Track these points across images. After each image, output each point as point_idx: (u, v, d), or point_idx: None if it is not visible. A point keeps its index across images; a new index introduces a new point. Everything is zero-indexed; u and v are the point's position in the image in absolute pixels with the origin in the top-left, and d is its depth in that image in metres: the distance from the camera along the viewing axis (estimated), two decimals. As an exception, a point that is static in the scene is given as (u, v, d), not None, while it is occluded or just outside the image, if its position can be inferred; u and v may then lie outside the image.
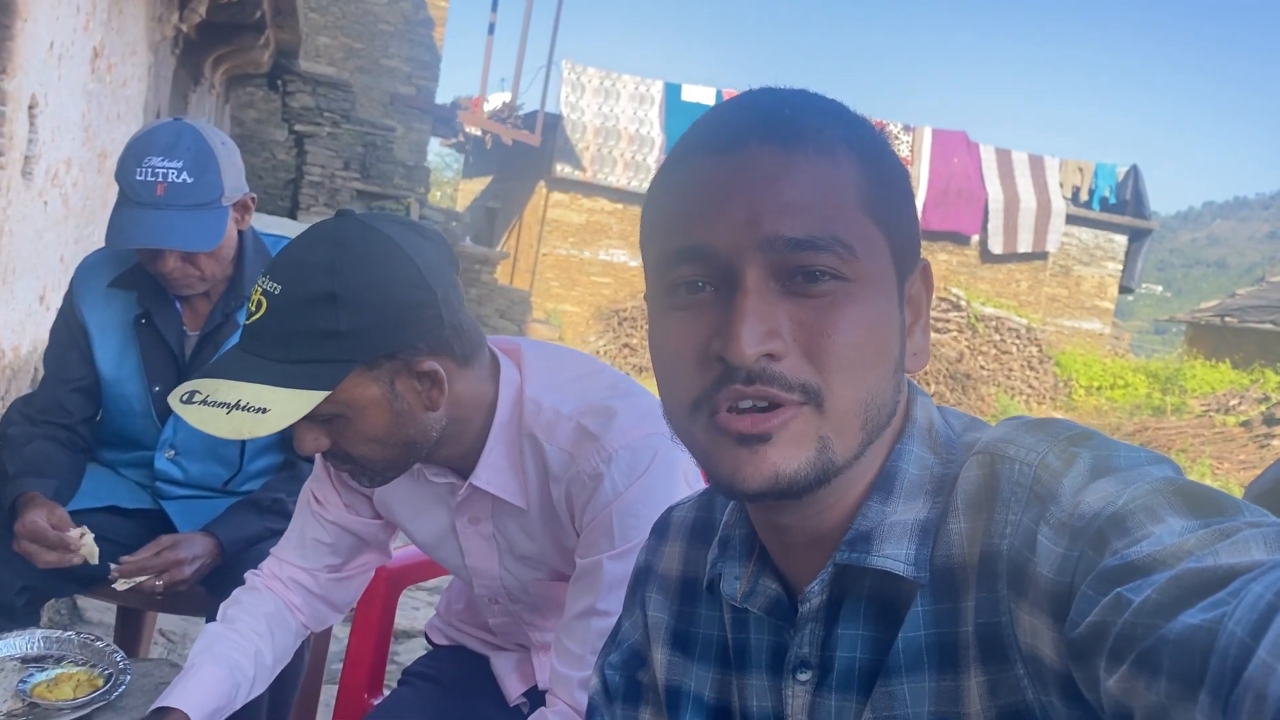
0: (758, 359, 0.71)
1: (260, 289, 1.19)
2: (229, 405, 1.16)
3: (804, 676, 0.81)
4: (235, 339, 2.00)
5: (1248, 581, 0.53)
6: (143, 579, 1.82)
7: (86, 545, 1.76)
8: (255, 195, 2.06)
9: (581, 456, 1.29)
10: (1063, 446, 0.72)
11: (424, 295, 1.22)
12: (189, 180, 1.86)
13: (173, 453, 2.11)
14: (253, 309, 1.19)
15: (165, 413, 2.08)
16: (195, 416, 1.17)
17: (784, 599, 0.83)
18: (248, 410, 1.16)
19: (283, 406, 1.16)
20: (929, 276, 0.82)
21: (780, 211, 0.72)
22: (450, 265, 1.28)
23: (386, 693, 1.76)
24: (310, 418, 1.19)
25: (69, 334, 2.07)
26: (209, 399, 1.17)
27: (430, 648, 1.75)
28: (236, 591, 1.56)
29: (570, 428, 1.31)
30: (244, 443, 2.12)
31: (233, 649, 1.44)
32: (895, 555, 0.76)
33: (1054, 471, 0.70)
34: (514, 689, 1.55)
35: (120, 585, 1.81)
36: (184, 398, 1.20)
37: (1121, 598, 0.58)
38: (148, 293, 2.03)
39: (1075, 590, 0.64)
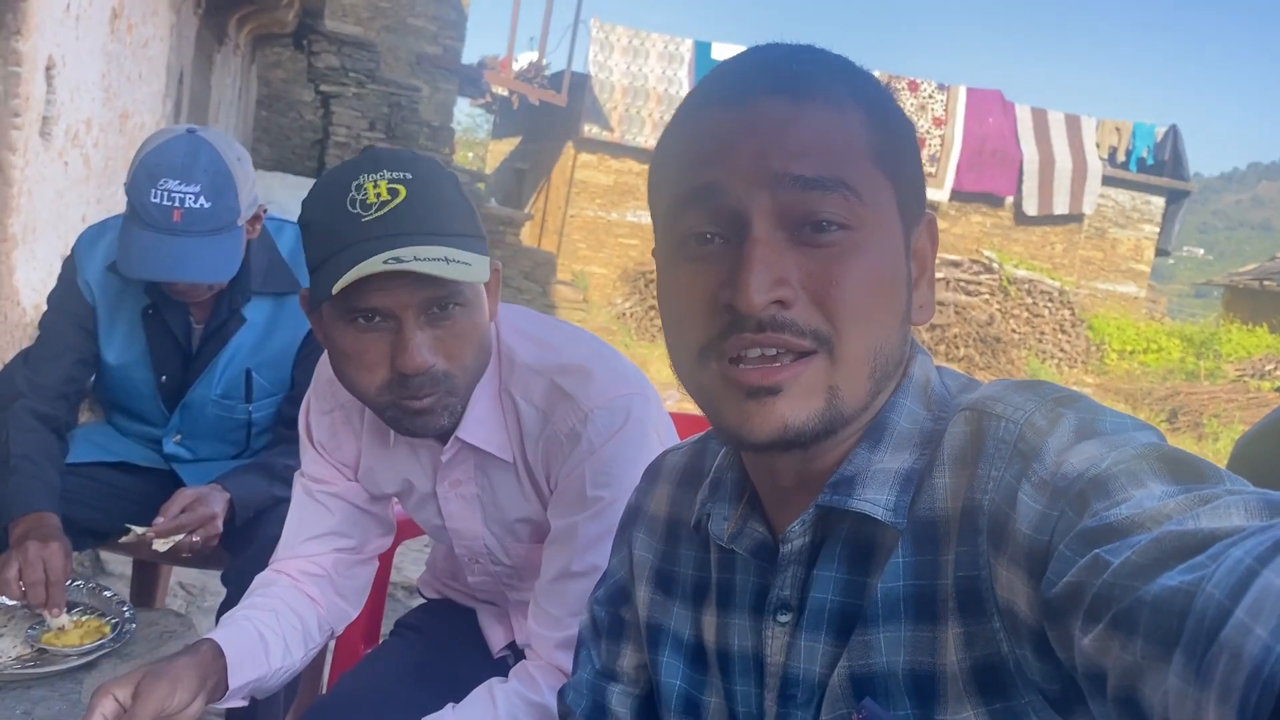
0: (766, 307, 0.72)
1: (384, 182, 1.18)
2: (442, 260, 1.15)
3: (784, 618, 0.83)
4: (242, 333, 2.01)
5: (1227, 546, 0.53)
6: (180, 538, 1.81)
7: (59, 621, 1.66)
8: (265, 206, 2.02)
9: (557, 416, 1.30)
10: (1049, 407, 0.73)
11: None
12: (206, 205, 1.81)
13: (179, 437, 2.13)
14: (384, 198, 1.17)
15: (172, 400, 2.08)
16: (422, 267, 1.13)
17: (770, 542, 0.85)
18: (457, 263, 1.16)
19: (477, 262, 1.20)
20: (934, 230, 0.83)
21: (789, 153, 0.73)
22: None
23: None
24: (430, 316, 1.19)
25: (75, 309, 2.02)
26: (418, 257, 1.14)
27: (424, 600, 1.78)
28: (253, 584, 1.51)
29: (544, 385, 1.32)
30: (250, 422, 2.13)
31: (251, 616, 1.41)
32: (875, 500, 0.77)
33: (1039, 430, 0.71)
34: (498, 642, 1.57)
35: (160, 546, 1.78)
36: (388, 261, 1.14)
37: (1100, 559, 0.59)
38: (153, 284, 1.98)
39: (1053, 549, 0.64)
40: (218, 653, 1.29)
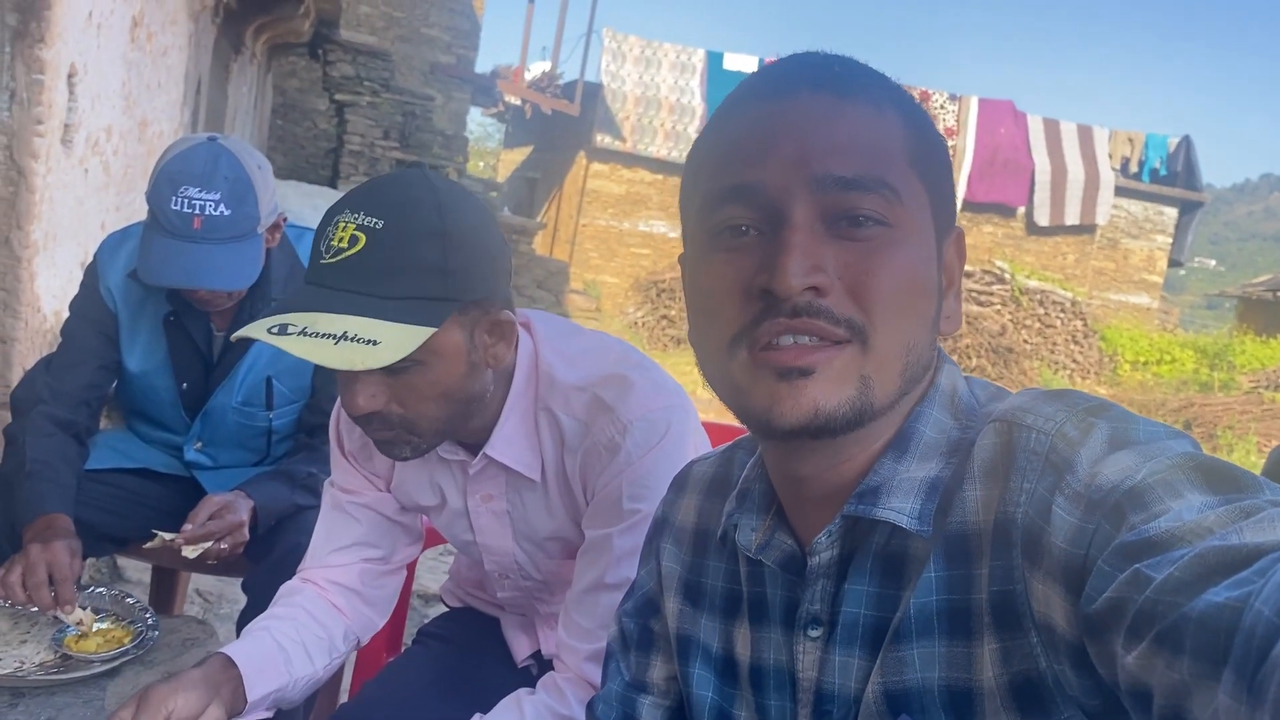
0: (803, 292, 0.71)
1: (352, 225, 1.14)
2: (335, 336, 1.11)
3: (815, 633, 0.82)
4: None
5: (1274, 561, 0.52)
6: (208, 545, 1.81)
7: (75, 616, 1.66)
8: (285, 214, 2.02)
9: (597, 427, 1.29)
10: (1080, 417, 0.72)
11: (505, 248, 1.25)
12: (226, 213, 1.81)
13: (200, 444, 2.13)
14: (342, 245, 1.14)
15: (193, 408, 2.08)
16: (298, 347, 1.10)
17: (798, 554, 0.84)
18: (357, 342, 1.10)
19: (393, 339, 1.11)
20: (962, 245, 0.83)
21: (830, 152, 0.73)
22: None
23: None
24: (383, 368, 1.15)
25: (97, 315, 2.03)
26: (309, 330, 1.11)
27: (447, 609, 1.77)
28: (279, 593, 1.51)
29: (585, 398, 1.31)
30: (270, 430, 2.13)
31: (271, 627, 1.41)
32: (900, 509, 0.76)
33: (1071, 441, 0.70)
34: (522, 651, 1.56)
35: (189, 552, 1.79)
36: (274, 329, 1.12)
37: (1141, 574, 0.58)
38: (174, 291, 1.98)
39: (1090, 563, 0.63)
40: (227, 663, 1.30)
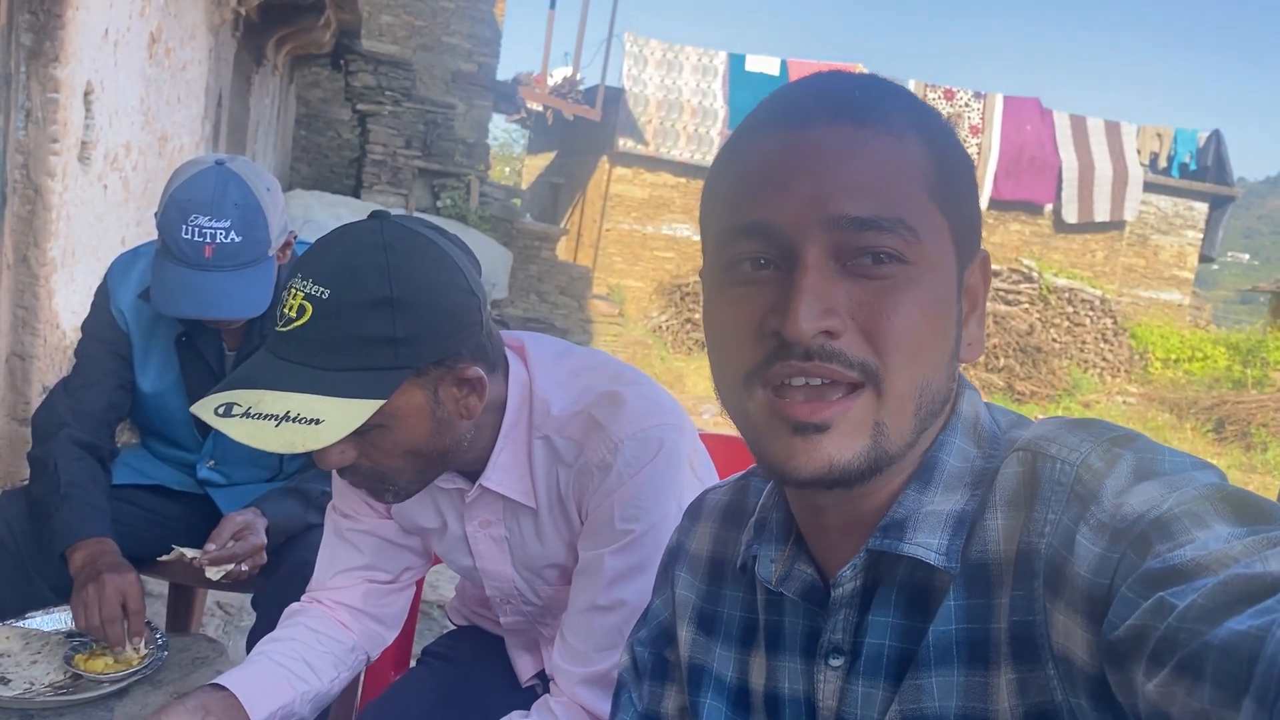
0: (815, 336, 0.71)
1: (300, 294, 1.13)
2: (277, 417, 1.10)
3: (836, 662, 0.81)
4: None
5: None
6: (231, 566, 1.82)
7: (128, 653, 1.66)
8: (295, 232, 2.03)
9: (590, 447, 1.28)
10: (1105, 447, 0.71)
11: (470, 300, 1.19)
12: (237, 240, 1.82)
13: (213, 462, 2.15)
14: (292, 315, 1.13)
15: (205, 426, 2.07)
16: (240, 430, 1.10)
17: (819, 584, 0.83)
18: (299, 422, 1.09)
19: (337, 417, 1.10)
20: (988, 268, 0.82)
21: (846, 191, 0.72)
22: (478, 269, 1.26)
23: (411, 670, 1.77)
24: None
25: (110, 336, 2.04)
26: (252, 411, 1.11)
27: (453, 627, 1.76)
28: (284, 614, 1.52)
29: (581, 419, 1.29)
30: None
31: (273, 652, 1.41)
32: (927, 544, 0.75)
33: (1096, 472, 0.70)
34: (526, 671, 1.55)
35: (213, 574, 1.81)
36: (220, 410, 1.12)
37: (1164, 602, 0.58)
38: None
39: (1114, 592, 0.63)
40: (215, 690, 1.30)
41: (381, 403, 1.13)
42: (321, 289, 1.12)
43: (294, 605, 1.53)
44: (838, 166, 0.72)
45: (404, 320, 1.13)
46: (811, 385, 0.72)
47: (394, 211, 1.27)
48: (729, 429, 0.92)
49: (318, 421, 1.10)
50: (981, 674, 0.73)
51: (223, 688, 1.30)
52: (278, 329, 1.15)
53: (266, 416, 1.10)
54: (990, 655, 0.73)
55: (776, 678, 0.87)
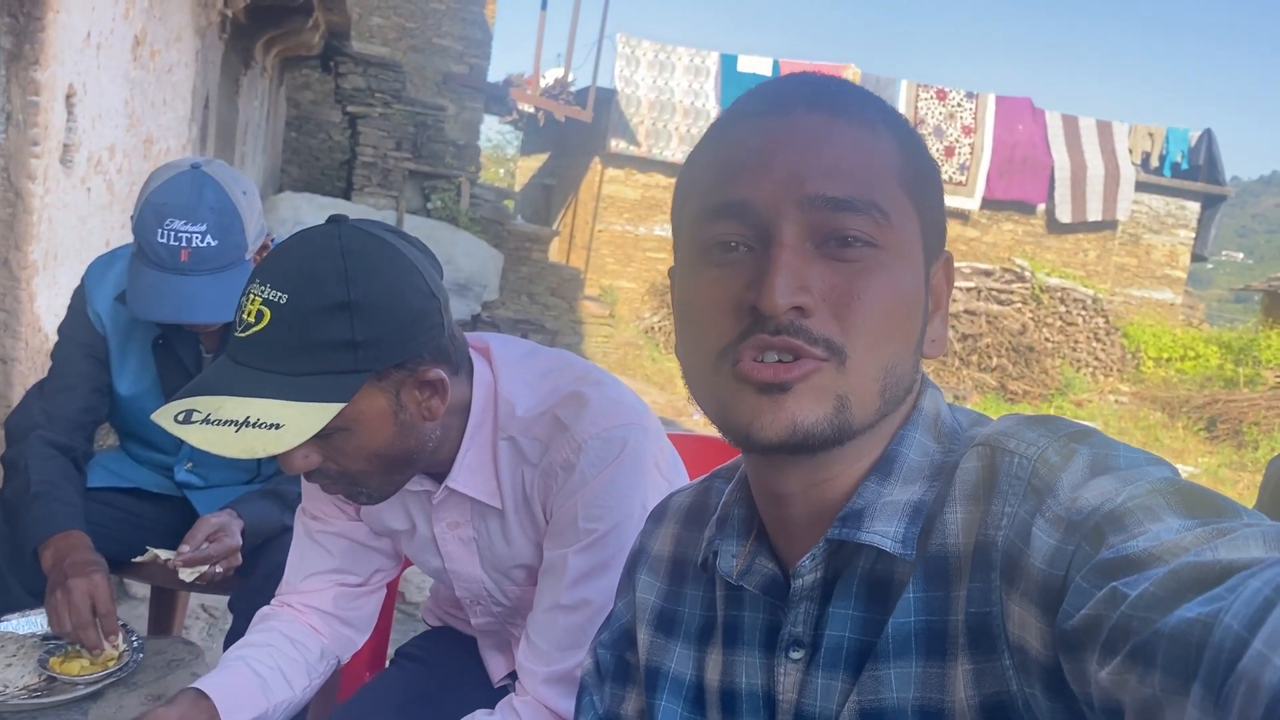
0: (788, 311, 0.72)
1: (259, 299, 1.13)
2: (237, 423, 1.10)
3: (796, 655, 0.82)
4: None
5: (1245, 578, 0.53)
6: (205, 568, 1.82)
7: (107, 653, 1.66)
8: (273, 235, 2.02)
9: (554, 447, 1.28)
10: (1063, 443, 0.73)
11: (430, 303, 1.20)
12: (213, 244, 1.81)
13: (191, 464, 2.14)
14: (250, 320, 1.13)
15: None
16: (199, 436, 1.11)
17: (779, 578, 0.84)
18: (259, 427, 1.10)
19: (297, 421, 1.11)
20: (950, 269, 0.84)
21: (823, 172, 0.74)
22: (439, 272, 1.26)
23: (386, 672, 1.77)
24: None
25: (87, 339, 2.03)
26: (212, 417, 1.11)
27: (427, 628, 1.76)
28: (255, 618, 1.52)
29: (546, 420, 1.30)
30: None
31: (246, 655, 1.42)
32: (884, 532, 0.77)
33: (1053, 466, 0.71)
34: (499, 671, 1.55)
35: (186, 575, 1.80)
36: (179, 417, 1.13)
37: (1117, 591, 0.59)
38: None
39: (1069, 582, 0.64)
40: (198, 696, 1.30)
41: (341, 406, 1.13)
42: (279, 294, 1.12)
43: (265, 609, 1.53)
44: (815, 149, 0.74)
45: (363, 324, 1.13)
46: (780, 360, 0.73)
47: (365, 216, 1.27)
48: (713, 429, 0.92)
49: (278, 426, 1.10)
50: (939, 665, 0.74)
51: (202, 694, 1.30)
52: (236, 334, 1.15)
53: (226, 422, 1.11)
54: (948, 646, 0.74)
55: (733, 673, 0.87)
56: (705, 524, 0.94)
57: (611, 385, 1.35)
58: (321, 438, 1.16)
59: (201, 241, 1.81)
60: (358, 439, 1.18)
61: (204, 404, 1.13)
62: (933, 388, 0.84)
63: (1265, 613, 0.49)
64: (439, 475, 1.35)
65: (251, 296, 1.14)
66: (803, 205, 0.73)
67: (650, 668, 0.95)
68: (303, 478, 1.50)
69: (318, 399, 1.12)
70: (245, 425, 1.10)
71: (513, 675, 1.55)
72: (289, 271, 1.14)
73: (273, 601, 1.53)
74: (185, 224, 1.80)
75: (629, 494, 1.25)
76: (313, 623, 1.50)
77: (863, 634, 0.78)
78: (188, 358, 2.04)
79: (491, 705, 1.32)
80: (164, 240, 1.80)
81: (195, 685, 1.32)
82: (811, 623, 0.81)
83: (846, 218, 0.73)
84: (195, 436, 1.11)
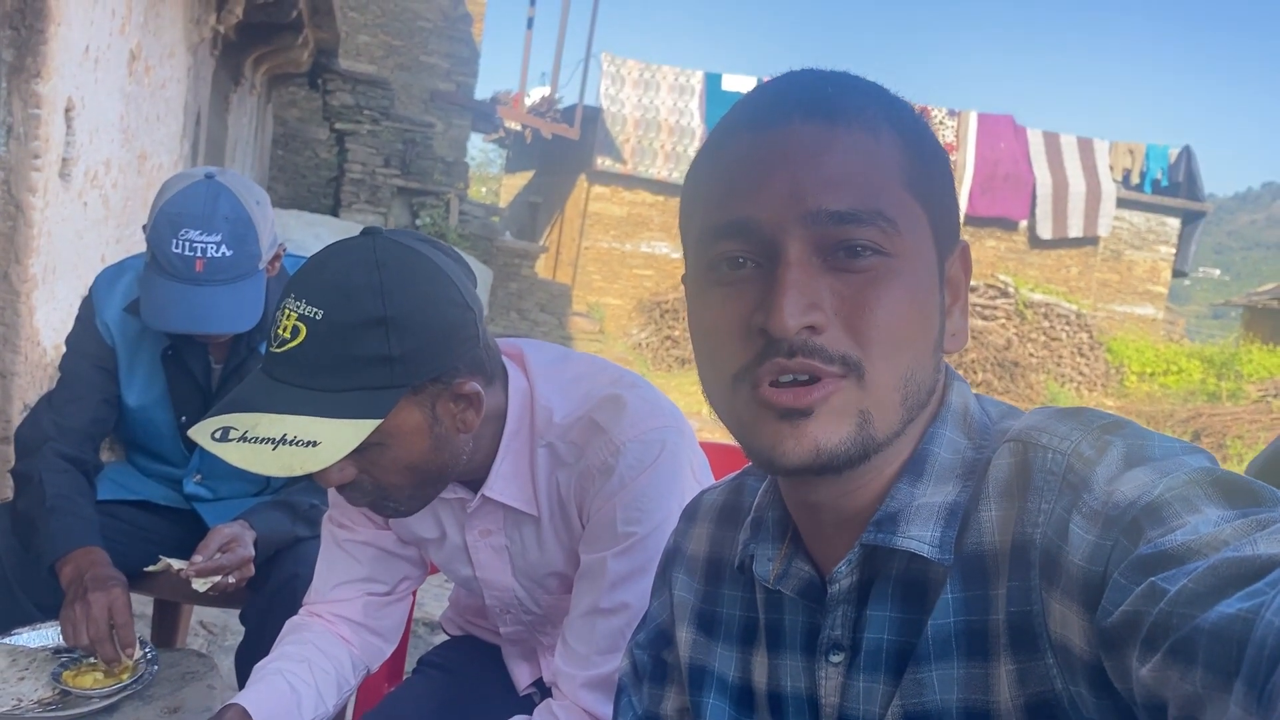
0: (799, 331, 0.71)
1: (294, 314, 1.12)
2: (274, 440, 1.09)
3: (836, 658, 0.81)
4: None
5: None
6: (218, 578, 1.80)
7: (122, 665, 1.66)
8: (284, 244, 2.01)
9: (591, 450, 1.27)
10: (1096, 435, 0.72)
11: (465, 315, 1.18)
12: (228, 254, 1.80)
13: (200, 477, 2.13)
14: (286, 336, 1.12)
15: (192, 441, 2.08)
16: (237, 455, 1.09)
17: (816, 581, 0.83)
18: (297, 445, 1.09)
19: (334, 438, 1.10)
20: (968, 258, 0.82)
21: (823, 185, 0.72)
22: (473, 280, 1.25)
23: (406, 682, 1.76)
24: None
25: (95, 350, 2.01)
26: (249, 435, 1.10)
27: (447, 637, 1.75)
28: (285, 628, 1.51)
29: (582, 424, 1.29)
30: None
31: (282, 667, 1.41)
32: (920, 537, 0.75)
33: (1087, 460, 0.70)
34: (523, 679, 1.54)
35: (200, 585, 1.78)
36: (217, 434, 1.11)
37: (1156, 586, 0.58)
38: None
39: (1108, 578, 0.63)
40: (243, 715, 1.29)
41: (378, 422, 1.12)
42: (315, 309, 1.11)
43: (295, 619, 1.51)
44: (814, 162, 0.73)
45: (399, 339, 1.12)
46: (798, 381, 0.72)
47: (350, 234, 1.26)
48: (715, 438, 0.92)
49: (315, 444, 1.09)
50: (981, 665, 0.73)
51: (244, 712, 1.29)
52: (272, 350, 1.14)
53: (264, 440, 1.10)
54: (989, 646, 0.73)
55: (778, 676, 0.87)
56: (739, 523, 0.93)
57: (646, 388, 1.34)
58: (357, 452, 1.14)
59: (216, 252, 1.80)
60: (393, 453, 1.17)
61: (240, 421, 1.12)
62: (959, 380, 0.83)
63: None
64: (473, 483, 1.34)
65: (287, 312, 1.13)
66: (806, 221, 0.72)
67: (695, 666, 0.94)
68: (331, 490, 1.50)
69: (354, 415, 1.11)
70: (282, 443, 1.09)
71: (538, 684, 1.54)
72: (324, 286, 1.13)
73: (302, 610, 1.52)
74: (200, 234, 1.79)
75: (667, 497, 1.24)
76: (343, 633, 1.49)
77: (901, 636, 0.77)
78: (197, 368, 2.02)
79: (516, 713, 1.31)
80: (179, 250, 1.79)
81: (236, 701, 1.31)
82: (850, 626, 0.81)
83: (851, 229, 0.72)
84: (233, 455, 1.10)
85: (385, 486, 1.21)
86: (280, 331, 1.13)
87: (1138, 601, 0.59)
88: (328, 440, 1.10)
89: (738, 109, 0.80)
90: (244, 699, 1.31)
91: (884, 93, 0.79)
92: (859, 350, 0.72)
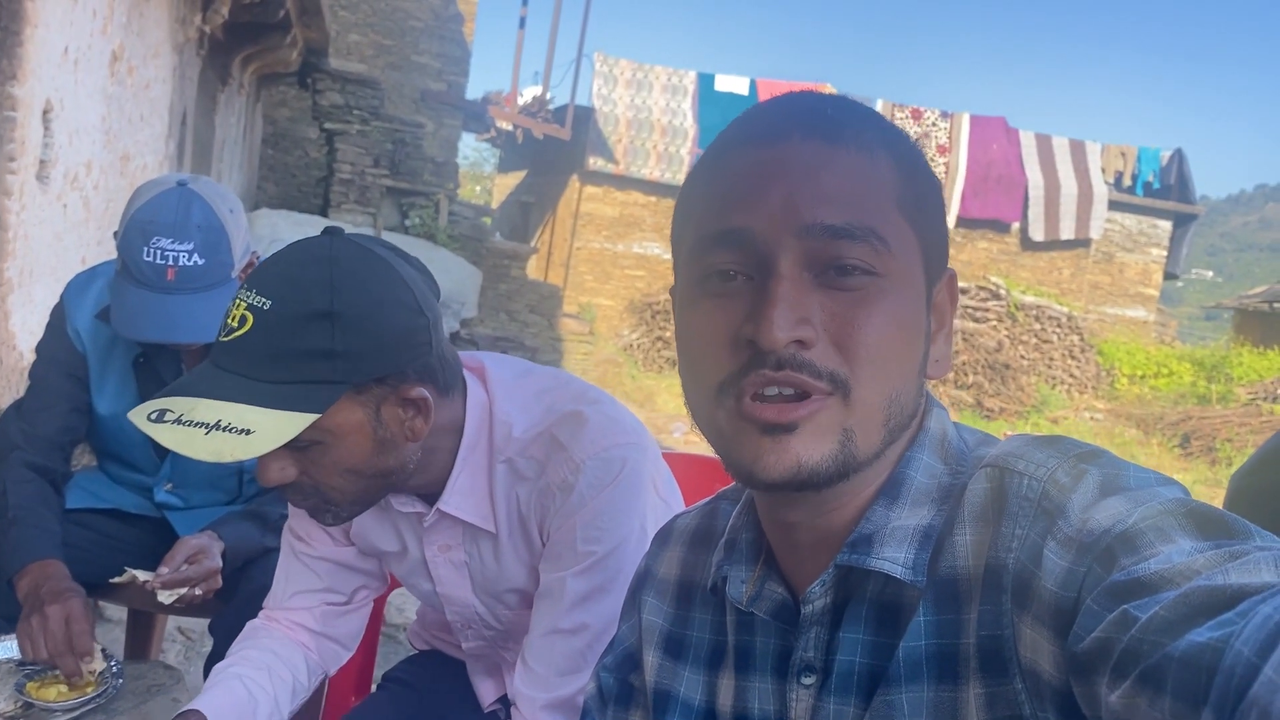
0: (788, 345, 0.71)
1: (244, 304, 1.12)
2: (208, 425, 1.09)
3: (808, 680, 0.81)
4: None
5: (1256, 603, 0.53)
6: (185, 590, 1.79)
7: (90, 678, 1.64)
8: (258, 253, 1.97)
9: (551, 466, 1.26)
10: (1072, 463, 0.72)
11: (418, 320, 1.17)
12: (200, 263, 1.78)
13: (171, 485, 2.11)
14: (233, 324, 1.12)
15: (163, 449, 2.01)
16: (170, 437, 1.10)
17: (790, 603, 0.83)
18: (230, 431, 1.09)
19: (269, 428, 1.10)
20: (954, 287, 0.83)
21: (819, 200, 0.73)
22: (434, 292, 1.24)
23: (373, 696, 1.74)
24: (284, 445, 1.12)
25: (66, 358, 1.99)
26: (184, 418, 1.10)
27: (414, 650, 1.74)
28: (244, 631, 1.51)
29: (543, 440, 1.28)
30: (241, 470, 2.10)
31: (241, 671, 1.40)
32: (894, 559, 0.76)
33: (1063, 487, 0.71)
34: (488, 695, 1.53)
35: (165, 597, 1.77)
36: (153, 415, 1.12)
37: (1128, 614, 0.58)
38: None
39: (1080, 604, 0.64)
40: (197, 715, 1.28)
41: (315, 417, 1.12)
42: (263, 299, 1.12)
43: (255, 622, 1.51)
44: (811, 178, 0.73)
45: (343, 335, 1.12)
46: (783, 395, 0.72)
47: (350, 229, 1.25)
48: (699, 448, 0.92)
49: (248, 432, 1.09)
50: (951, 689, 0.73)
51: (201, 715, 1.29)
52: (220, 338, 1.15)
53: (197, 424, 1.10)
54: (959, 670, 0.73)
55: (745, 698, 0.86)
56: (712, 547, 0.92)
57: (609, 404, 1.33)
58: (298, 449, 1.15)
59: (189, 260, 1.78)
60: (334, 453, 1.17)
61: (178, 405, 1.12)
62: (938, 407, 0.83)
63: (1276, 638, 0.49)
64: (430, 497, 1.33)
65: (238, 301, 1.13)
66: (800, 234, 0.72)
67: (659, 691, 0.94)
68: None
69: (293, 407, 1.11)
70: (216, 429, 1.09)
71: (502, 700, 1.53)
72: (275, 278, 1.13)
73: (261, 614, 1.51)
74: (172, 242, 1.77)
75: (628, 515, 1.23)
76: (302, 639, 1.48)
77: (873, 659, 0.77)
78: (169, 376, 2.00)
79: None
80: (150, 259, 1.77)
81: (195, 706, 1.30)
82: (823, 648, 0.80)
83: (844, 245, 0.72)
84: (166, 436, 1.10)
85: (325, 489, 1.20)
86: (229, 320, 1.13)
87: (1109, 628, 0.59)
88: (262, 430, 1.10)
89: (736, 125, 0.80)
90: (202, 704, 1.30)
91: (882, 120, 0.80)
92: (846, 368, 0.72)
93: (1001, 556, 0.71)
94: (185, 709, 1.31)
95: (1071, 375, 17.95)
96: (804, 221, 0.72)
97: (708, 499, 1.00)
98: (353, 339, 1.12)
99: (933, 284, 0.79)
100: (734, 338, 0.74)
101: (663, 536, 1.01)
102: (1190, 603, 0.56)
